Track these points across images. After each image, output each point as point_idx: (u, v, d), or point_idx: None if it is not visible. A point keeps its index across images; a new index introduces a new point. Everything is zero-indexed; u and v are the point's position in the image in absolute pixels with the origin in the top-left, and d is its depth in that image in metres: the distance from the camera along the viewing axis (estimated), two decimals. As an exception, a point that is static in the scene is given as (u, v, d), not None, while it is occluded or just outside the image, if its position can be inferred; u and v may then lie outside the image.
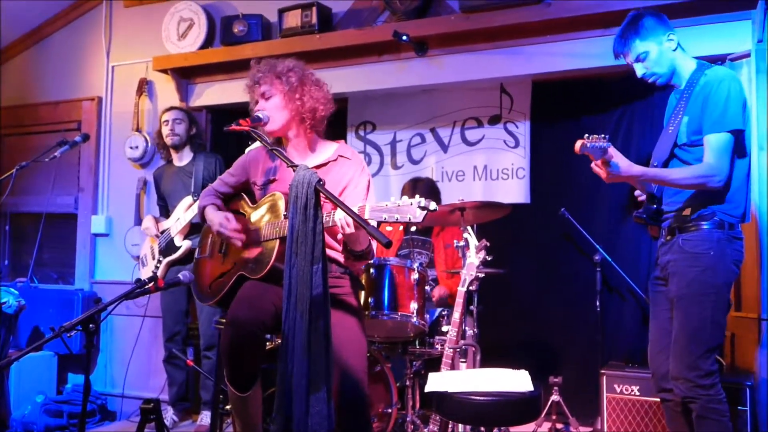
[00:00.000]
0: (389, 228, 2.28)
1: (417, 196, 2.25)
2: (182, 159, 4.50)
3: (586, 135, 2.56)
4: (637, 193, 2.97)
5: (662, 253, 2.81)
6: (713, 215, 2.66)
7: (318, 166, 2.75)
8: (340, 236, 2.69)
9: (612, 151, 2.58)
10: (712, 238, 2.64)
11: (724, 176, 2.61)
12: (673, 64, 2.79)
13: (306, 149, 2.84)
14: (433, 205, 2.21)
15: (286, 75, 2.77)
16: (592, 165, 2.65)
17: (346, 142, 4.68)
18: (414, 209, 2.20)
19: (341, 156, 2.83)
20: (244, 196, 2.94)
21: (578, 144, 2.56)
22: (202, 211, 2.93)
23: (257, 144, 2.98)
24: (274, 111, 2.75)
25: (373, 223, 2.29)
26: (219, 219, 2.77)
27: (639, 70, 2.82)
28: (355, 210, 2.33)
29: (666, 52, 2.77)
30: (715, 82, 2.67)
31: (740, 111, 2.65)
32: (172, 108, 4.55)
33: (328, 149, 2.87)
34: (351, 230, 2.40)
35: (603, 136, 2.55)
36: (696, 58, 2.86)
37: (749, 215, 2.77)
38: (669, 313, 2.78)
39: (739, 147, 2.67)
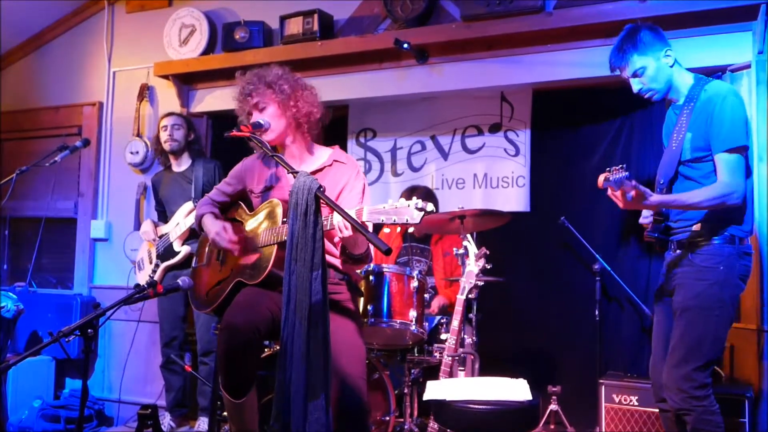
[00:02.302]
0: (387, 230, 2.28)
1: (414, 197, 2.26)
2: (181, 165, 4.50)
3: (608, 169, 2.55)
4: (642, 221, 2.93)
5: (670, 266, 2.80)
6: (724, 230, 2.65)
7: (313, 172, 2.76)
8: (337, 240, 2.69)
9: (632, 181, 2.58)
10: (723, 253, 2.64)
11: (741, 193, 2.60)
12: (670, 80, 2.78)
13: (302, 155, 2.85)
14: (430, 206, 2.23)
15: (277, 84, 2.77)
16: (609, 193, 2.63)
17: (346, 149, 4.76)
18: (411, 210, 2.22)
19: (336, 161, 2.84)
20: (242, 204, 2.94)
21: (601, 178, 2.55)
22: (199, 220, 2.93)
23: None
24: (271, 121, 2.76)
25: (370, 227, 2.29)
26: (216, 229, 2.78)
27: (635, 85, 2.81)
28: (353, 212, 2.34)
29: (663, 68, 2.76)
30: (718, 99, 2.65)
31: (746, 127, 2.65)
32: (170, 114, 4.55)
33: (323, 154, 2.88)
34: (349, 233, 2.39)
35: (621, 166, 2.55)
36: (697, 68, 2.85)
37: (754, 228, 2.77)
38: (672, 324, 2.76)
39: (746, 164, 2.67)
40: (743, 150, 2.63)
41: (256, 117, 2.76)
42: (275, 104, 2.75)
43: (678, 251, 2.76)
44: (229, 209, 2.99)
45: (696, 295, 2.65)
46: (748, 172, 2.70)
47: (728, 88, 2.71)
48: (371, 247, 2.67)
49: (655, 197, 2.63)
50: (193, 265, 3.11)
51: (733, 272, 2.65)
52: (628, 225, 4.11)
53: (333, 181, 2.77)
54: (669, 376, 2.67)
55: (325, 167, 2.81)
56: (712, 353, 2.65)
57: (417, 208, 2.21)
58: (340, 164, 2.83)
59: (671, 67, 2.77)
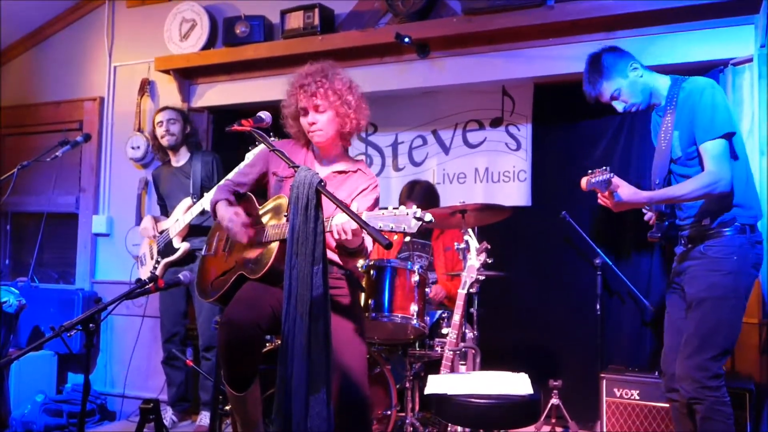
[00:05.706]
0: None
1: (414, 206, 2.28)
2: (179, 159, 4.49)
3: (589, 171, 2.61)
4: (647, 217, 2.97)
5: (681, 260, 2.83)
6: (734, 221, 2.68)
7: (339, 171, 2.83)
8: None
9: (616, 180, 2.62)
10: (735, 244, 2.67)
11: (728, 180, 2.62)
12: (648, 88, 2.83)
13: (335, 152, 2.90)
14: (428, 217, 2.24)
15: (344, 94, 2.79)
16: (599, 198, 2.68)
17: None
18: (410, 219, 2.24)
19: (360, 170, 2.89)
20: (253, 198, 2.95)
21: (583, 181, 2.62)
22: (214, 206, 2.93)
23: (260, 147, 2.98)
24: (326, 125, 2.77)
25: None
26: (229, 214, 2.77)
27: (618, 106, 2.88)
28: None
29: (635, 82, 2.82)
30: (696, 93, 2.70)
31: (728, 114, 2.68)
32: (164, 108, 4.52)
33: (352, 160, 2.96)
34: (348, 237, 2.40)
35: (604, 168, 2.60)
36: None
37: (762, 213, 2.79)
38: (683, 315, 2.79)
39: (731, 150, 2.69)
40: (728, 136, 2.65)
41: (314, 119, 2.76)
42: (334, 112, 2.77)
43: (689, 245, 2.79)
44: (240, 202, 2.99)
45: (710, 286, 2.68)
46: (736, 158, 2.71)
47: (705, 81, 2.76)
48: (369, 243, 2.68)
49: (644, 193, 2.68)
50: (202, 253, 3.12)
51: (747, 261, 2.68)
52: (629, 219, 4.11)
53: (352, 184, 2.82)
54: (682, 367, 2.69)
55: (349, 171, 2.87)
56: (727, 343, 2.67)
57: (415, 217, 2.23)
58: (363, 174, 2.88)
59: (641, 77, 2.83)
